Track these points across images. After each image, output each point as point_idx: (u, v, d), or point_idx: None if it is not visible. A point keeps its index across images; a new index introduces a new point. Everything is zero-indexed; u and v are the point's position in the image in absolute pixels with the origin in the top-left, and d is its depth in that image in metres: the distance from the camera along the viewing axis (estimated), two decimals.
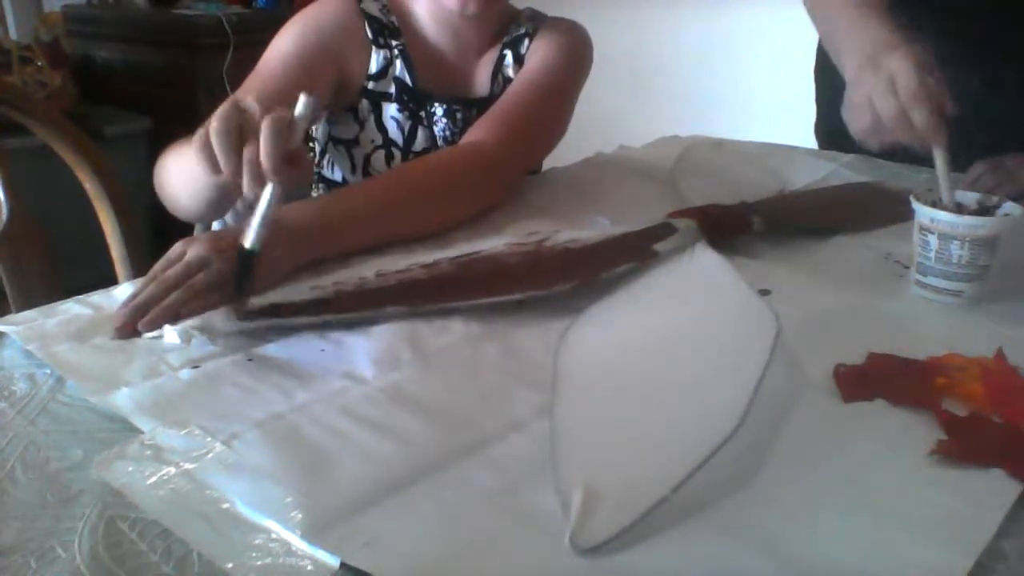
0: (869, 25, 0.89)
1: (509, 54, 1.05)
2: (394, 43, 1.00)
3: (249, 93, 0.85)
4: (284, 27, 0.97)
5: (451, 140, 1.04)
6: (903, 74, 0.79)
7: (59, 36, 2.32)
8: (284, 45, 0.95)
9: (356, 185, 0.93)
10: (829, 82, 1.28)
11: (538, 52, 1.05)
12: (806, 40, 1.18)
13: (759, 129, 1.45)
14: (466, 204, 0.89)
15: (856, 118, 0.84)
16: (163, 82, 2.32)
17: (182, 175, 0.78)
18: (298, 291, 0.69)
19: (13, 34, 2.41)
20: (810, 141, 1.32)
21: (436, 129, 1.04)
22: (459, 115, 1.03)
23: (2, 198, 1.02)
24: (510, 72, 1.05)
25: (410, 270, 0.72)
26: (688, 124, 1.43)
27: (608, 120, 2.03)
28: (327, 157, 1.08)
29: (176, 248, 0.69)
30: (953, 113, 0.79)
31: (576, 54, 1.07)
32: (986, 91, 1.06)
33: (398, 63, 1.01)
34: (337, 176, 1.07)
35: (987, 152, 1.00)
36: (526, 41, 1.05)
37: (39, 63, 2.24)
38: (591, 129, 1.53)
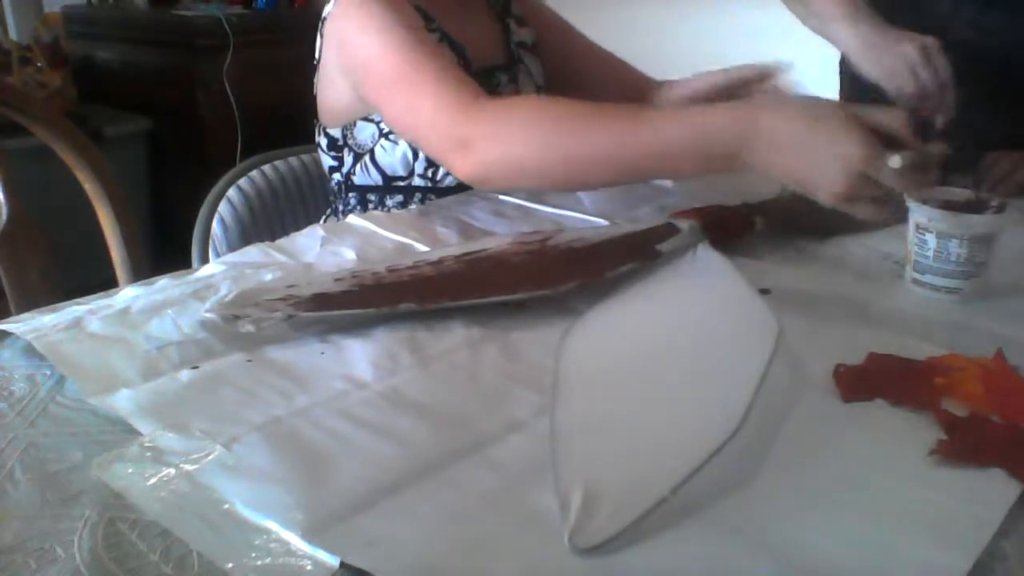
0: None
1: (512, 22, 1.11)
2: (432, 25, 0.99)
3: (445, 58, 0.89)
4: (372, 15, 0.90)
5: None
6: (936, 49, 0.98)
7: (59, 36, 2.33)
8: (402, 22, 0.89)
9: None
10: (854, 75, 1.29)
11: (542, 13, 1.16)
12: (808, 40, 1.17)
13: None
14: None
15: (900, 80, 1.01)
16: (163, 82, 2.32)
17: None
18: (322, 283, 0.69)
19: (13, 34, 2.42)
20: None
21: None
22: (494, 81, 1.05)
23: (2, 198, 1.02)
24: (522, 36, 1.11)
25: (418, 266, 0.72)
26: None
27: None
28: (359, 163, 1.03)
29: None
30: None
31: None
32: (993, 79, 1.08)
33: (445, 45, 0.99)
34: (373, 179, 1.03)
35: (995, 141, 1.04)
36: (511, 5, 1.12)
37: (39, 64, 2.24)
38: None
